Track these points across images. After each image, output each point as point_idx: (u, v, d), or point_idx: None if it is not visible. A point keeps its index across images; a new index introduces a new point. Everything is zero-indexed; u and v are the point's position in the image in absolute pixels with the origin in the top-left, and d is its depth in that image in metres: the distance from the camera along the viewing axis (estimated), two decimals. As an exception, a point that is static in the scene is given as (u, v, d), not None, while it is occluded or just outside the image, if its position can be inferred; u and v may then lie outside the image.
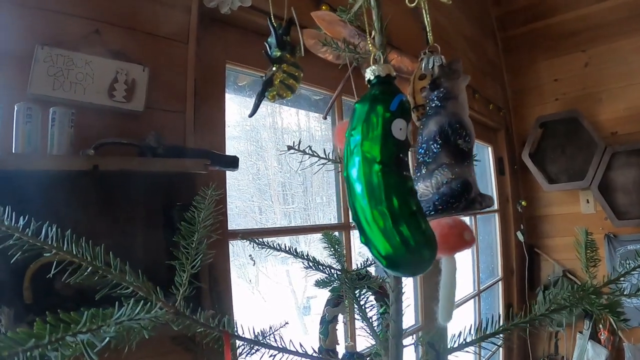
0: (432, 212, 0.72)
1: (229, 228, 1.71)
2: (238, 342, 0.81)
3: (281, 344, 0.84)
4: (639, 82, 3.77)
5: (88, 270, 0.56)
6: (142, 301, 0.56)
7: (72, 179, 1.17)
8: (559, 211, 4.15)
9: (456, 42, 3.56)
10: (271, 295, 4.87)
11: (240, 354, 0.86)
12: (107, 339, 0.46)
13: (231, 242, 1.68)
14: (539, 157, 4.11)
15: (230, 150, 1.67)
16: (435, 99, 0.76)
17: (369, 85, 0.66)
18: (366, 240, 0.61)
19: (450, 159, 0.72)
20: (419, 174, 0.76)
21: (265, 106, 3.91)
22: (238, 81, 1.92)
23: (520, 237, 4.16)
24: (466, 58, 3.69)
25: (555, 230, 4.16)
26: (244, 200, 4.41)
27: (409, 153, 0.64)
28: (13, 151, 1.10)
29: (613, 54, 3.89)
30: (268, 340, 0.86)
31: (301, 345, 0.83)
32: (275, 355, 0.83)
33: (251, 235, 1.24)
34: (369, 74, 0.64)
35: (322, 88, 2.14)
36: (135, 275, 0.57)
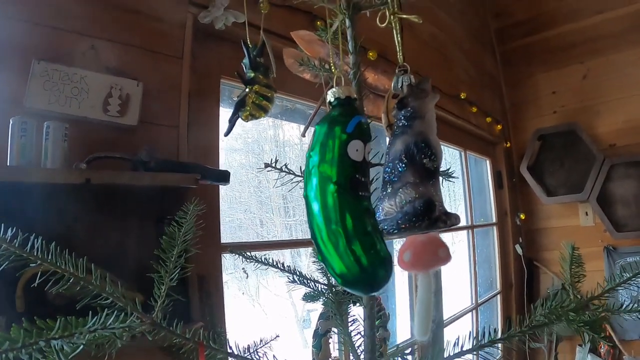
0: (396, 231, 0.72)
1: (226, 240, 1.73)
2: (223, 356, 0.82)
3: (265, 359, 0.85)
4: (637, 94, 3.77)
5: (70, 281, 0.57)
6: (121, 311, 0.57)
7: (66, 192, 1.19)
8: (558, 224, 4.15)
9: (454, 55, 3.59)
10: (271, 308, 4.86)
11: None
12: (81, 346, 0.48)
13: (229, 256, 1.69)
14: (537, 170, 4.11)
15: (232, 163, 1.70)
16: (402, 118, 0.76)
17: (329, 107, 0.67)
18: (323, 259, 0.63)
19: (415, 177, 0.73)
20: (384, 193, 0.76)
21: (267, 119, 3.93)
22: (233, 95, 1.94)
23: (519, 250, 4.15)
24: (464, 71, 3.71)
25: (554, 243, 4.15)
26: (245, 212, 4.42)
27: (369, 173, 0.66)
28: (8, 164, 1.12)
29: (611, 66, 3.90)
30: (254, 353, 0.87)
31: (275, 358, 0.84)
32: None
33: (243, 248, 1.25)
34: (329, 96, 0.66)
35: (313, 102, 2.16)
36: (115, 286, 0.59)
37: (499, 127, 4.12)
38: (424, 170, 0.73)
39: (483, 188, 4.19)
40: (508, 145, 4.31)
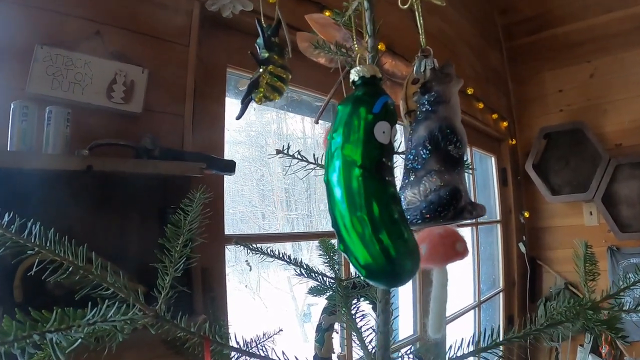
0: (420, 221, 0.69)
1: (228, 233, 1.70)
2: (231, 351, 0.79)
3: (271, 353, 0.83)
4: (644, 94, 3.76)
5: (69, 270, 0.55)
6: (122, 303, 0.55)
7: (67, 179, 1.17)
8: (562, 223, 4.12)
9: (461, 51, 3.56)
10: (272, 301, 4.86)
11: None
12: (79, 340, 0.45)
13: (230, 248, 1.67)
14: (542, 168, 4.08)
15: (234, 156, 1.66)
16: (425, 103, 0.73)
17: (353, 87, 0.64)
18: (345, 249, 0.59)
19: (439, 165, 0.69)
20: (407, 181, 0.73)
21: (271, 112, 3.91)
22: (239, 85, 1.91)
23: (522, 248, 4.13)
24: (471, 67, 3.69)
25: (558, 242, 4.13)
26: (248, 205, 4.40)
27: (394, 158, 0.62)
28: (8, 149, 1.10)
29: (618, 65, 3.87)
30: (260, 348, 0.85)
31: (284, 354, 0.81)
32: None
33: (247, 240, 1.23)
34: (353, 75, 0.62)
35: (320, 93, 2.13)
36: (117, 276, 0.56)
37: (505, 124, 4.09)
38: (449, 157, 0.70)
39: (487, 185, 4.17)
40: (513, 142, 4.28)
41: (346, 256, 0.59)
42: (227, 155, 1.70)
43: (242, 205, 4.29)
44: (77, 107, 1.25)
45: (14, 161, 1.05)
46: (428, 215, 0.68)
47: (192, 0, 1.59)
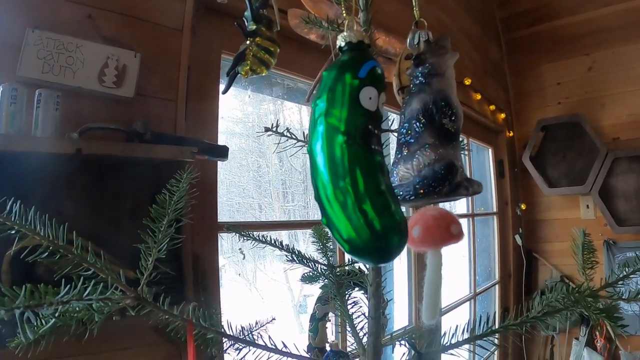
0: (413, 197, 0.66)
1: (221, 221, 1.69)
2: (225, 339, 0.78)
3: (261, 340, 0.81)
4: (643, 87, 3.75)
5: (49, 249, 0.53)
6: (106, 285, 0.53)
7: (57, 163, 1.15)
8: (559, 216, 4.12)
9: (460, 42, 3.53)
10: (268, 292, 4.86)
11: (226, 350, 0.83)
12: (52, 320, 0.43)
13: (228, 239, 1.65)
14: (539, 161, 4.08)
15: (232, 148, 1.64)
16: (419, 75, 0.70)
17: (340, 54, 0.61)
18: (328, 222, 0.56)
19: (434, 139, 0.67)
20: (399, 156, 0.70)
21: (268, 103, 3.90)
22: (229, 71, 1.89)
23: (519, 240, 4.13)
24: (470, 58, 3.67)
25: (554, 234, 4.13)
26: (244, 196, 4.40)
27: (382, 126, 0.59)
28: (-4, 132, 1.08)
29: (617, 58, 3.86)
30: (251, 335, 0.83)
31: (270, 338, 0.79)
32: (256, 351, 0.80)
33: (239, 228, 1.21)
34: (339, 41, 0.59)
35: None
36: (98, 257, 0.55)
37: (503, 115, 4.08)
38: (444, 131, 0.67)
39: (484, 176, 4.16)
40: (511, 134, 4.27)
41: (329, 230, 0.56)
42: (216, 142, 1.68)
43: (238, 196, 4.28)
44: (68, 91, 1.23)
45: (2, 144, 1.03)
46: (422, 191, 0.65)
47: (186, -15, 1.56)
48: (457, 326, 0.80)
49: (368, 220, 0.53)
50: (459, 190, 0.66)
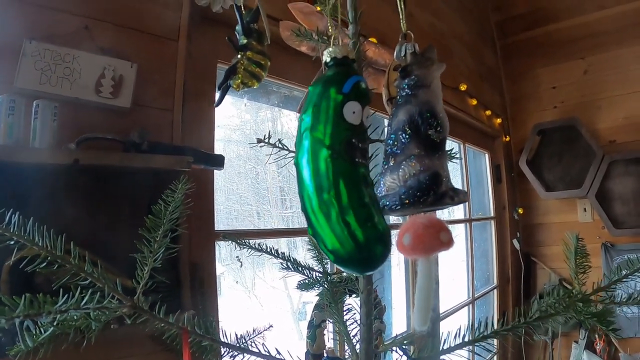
0: (399, 207, 0.67)
1: (219, 229, 1.69)
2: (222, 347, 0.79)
3: (259, 348, 0.82)
4: (638, 90, 3.76)
5: (48, 259, 0.54)
6: (103, 295, 0.54)
7: (55, 174, 1.16)
8: (556, 219, 4.13)
9: (455, 48, 3.55)
10: (268, 300, 4.85)
11: (222, 357, 0.83)
12: (51, 329, 0.44)
13: (226, 247, 1.66)
14: (536, 165, 4.09)
15: (229, 155, 1.66)
16: (405, 87, 0.72)
17: (326, 69, 0.62)
18: (314, 233, 0.58)
19: (419, 150, 0.68)
20: (386, 166, 0.72)
21: (265, 111, 3.90)
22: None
23: (517, 244, 4.13)
24: (464, 63, 3.68)
25: (552, 238, 4.14)
26: (242, 204, 4.40)
27: (367, 139, 0.61)
28: (-6, 143, 1.09)
29: (612, 62, 3.88)
30: (249, 343, 0.84)
31: (264, 346, 0.80)
32: (250, 359, 0.80)
33: (237, 236, 1.22)
34: (325, 56, 0.61)
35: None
36: (95, 266, 0.56)
37: (499, 120, 4.09)
38: (429, 141, 0.68)
39: (481, 181, 4.17)
40: (507, 139, 4.28)
41: (315, 241, 0.58)
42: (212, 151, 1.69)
43: (236, 203, 4.28)
44: (65, 102, 1.24)
45: (0, 154, 1.04)
46: (407, 201, 0.66)
47: (181, -5, 1.58)
48: (449, 332, 0.81)
49: (351, 231, 0.55)
50: (444, 199, 0.67)
